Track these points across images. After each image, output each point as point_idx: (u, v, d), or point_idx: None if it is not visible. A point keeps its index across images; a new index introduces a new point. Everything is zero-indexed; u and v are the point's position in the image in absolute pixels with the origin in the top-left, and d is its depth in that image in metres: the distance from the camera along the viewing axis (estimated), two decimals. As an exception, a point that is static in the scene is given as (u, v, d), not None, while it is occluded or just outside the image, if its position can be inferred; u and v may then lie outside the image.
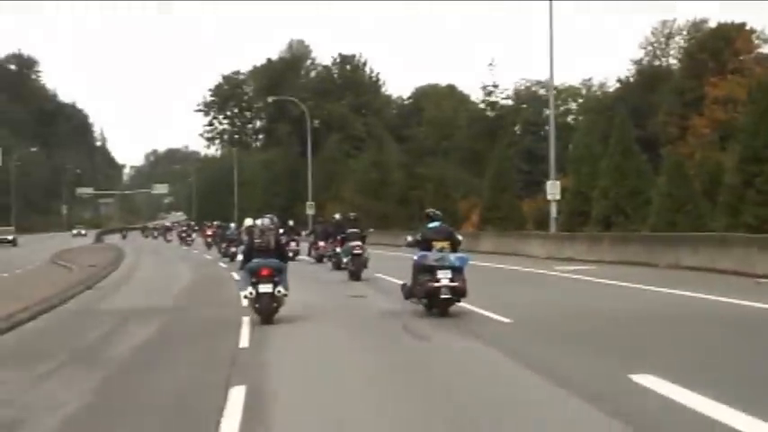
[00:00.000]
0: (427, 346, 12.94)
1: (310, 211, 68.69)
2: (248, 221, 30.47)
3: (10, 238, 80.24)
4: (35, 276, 35.29)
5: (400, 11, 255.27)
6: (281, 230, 32.55)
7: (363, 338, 14.15)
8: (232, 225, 45.69)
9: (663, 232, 31.31)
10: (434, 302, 15.73)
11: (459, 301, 15.88)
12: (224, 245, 43.57)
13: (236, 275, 26.55)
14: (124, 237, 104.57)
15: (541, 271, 27.63)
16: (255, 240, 16.40)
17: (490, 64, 74.33)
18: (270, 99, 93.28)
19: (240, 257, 17.49)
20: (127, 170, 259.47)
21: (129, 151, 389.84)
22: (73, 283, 28.64)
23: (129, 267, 40.46)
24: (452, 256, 15.82)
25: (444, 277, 15.48)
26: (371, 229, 61.15)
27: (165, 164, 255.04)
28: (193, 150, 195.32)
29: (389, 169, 77.04)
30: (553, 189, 37.75)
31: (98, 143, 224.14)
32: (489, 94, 77.70)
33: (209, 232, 58.54)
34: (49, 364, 12.51)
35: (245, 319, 16.63)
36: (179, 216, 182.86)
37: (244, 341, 14.01)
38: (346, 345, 13.65)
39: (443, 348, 12.64)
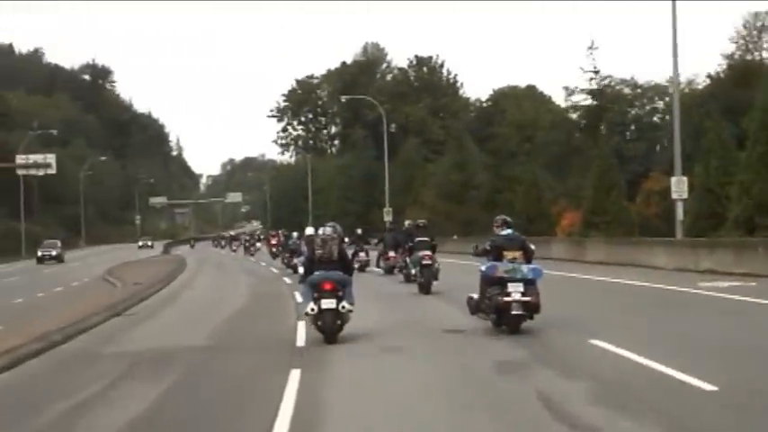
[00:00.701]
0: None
1: (388, 218, 63.26)
2: (309, 230, 26.98)
3: (54, 253, 69.75)
4: (68, 297, 30.46)
5: (476, 12, 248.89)
6: (348, 239, 28.41)
7: (481, 429, 8.41)
8: (294, 234, 40.87)
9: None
10: (504, 319, 14.20)
11: (531, 318, 14.23)
12: (286, 255, 39.57)
13: (298, 296, 21.78)
14: (192, 246, 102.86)
15: (683, 289, 21.53)
16: (317, 251, 14.85)
17: (590, 47, 66.15)
18: (343, 98, 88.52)
19: (301, 270, 16.29)
20: (204, 180, 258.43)
21: (206, 161, 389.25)
22: (103, 306, 23.56)
23: (181, 284, 35.46)
24: (525, 268, 14.33)
25: (516, 291, 14.00)
26: (455, 236, 56.15)
27: (241, 173, 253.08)
28: (270, 159, 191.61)
29: (473, 171, 71.02)
30: (679, 186, 31.50)
31: (174, 153, 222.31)
32: (590, 80, 69.33)
33: (273, 241, 54.07)
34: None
35: (294, 375, 11.23)
36: (255, 225, 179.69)
37: (281, 426, 8.43)
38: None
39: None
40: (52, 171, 69.00)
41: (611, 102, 70.41)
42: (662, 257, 29.49)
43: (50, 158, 67.98)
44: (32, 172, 69.56)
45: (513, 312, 13.97)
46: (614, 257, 32.78)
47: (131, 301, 26.17)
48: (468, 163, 72.63)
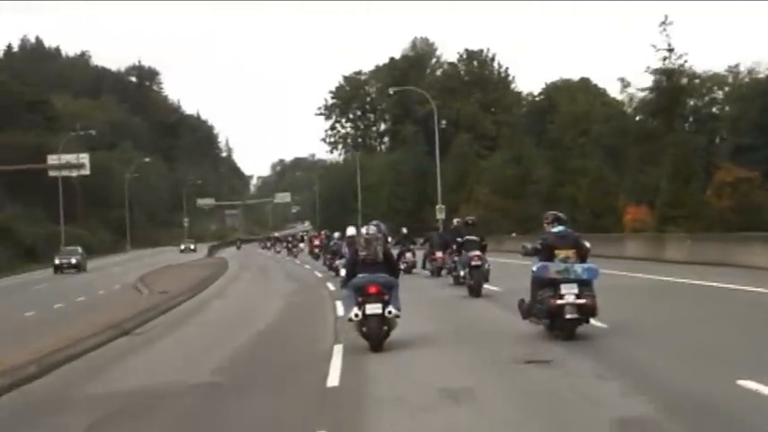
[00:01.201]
0: None
1: (440, 215, 59.20)
2: (350, 230, 24.49)
3: (74, 261, 60.62)
4: (85, 310, 27.18)
5: (526, 4, 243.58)
6: (393, 239, 25.66)
7: None
8: (335, 234, 37.86)
9: None
10: (558, 323, 13.08)
11: (587, 322, 13.12)
12: (328, 256, 37.67)
13: (339, 308, 18.93)
14: (239, 248, 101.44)
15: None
16: (360, 252, 13.95)
17: (663, 23, 59.42)
18: (391, 90, 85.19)
19: (343, 272, 15.18)
20: (254, 181, 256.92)
21: (256, 162, 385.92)
22: (113, 323, 20.12)
23: (214, 292, 32.15)
24: (579, 267, 13.20)
25: (569, 293, 12.90)
26: (513, 234, 52.28)
27: (291, 173, 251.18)
28: (320, 158, 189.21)
29: (531, 164, 66.76)
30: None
31: (224, 154, 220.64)
32: (664, 59, 63.55)
33: (316, 242, 51.09)
34: None
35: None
36: (306, 226, 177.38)
37: None
38: None
39: None
40: (86, 172, 65.80)
41: (679, 90, 64.94)
42: (764, 256, 25.32)
43: (84, 158, 64.82)
44: (65, 173, 66.39)
45: (567, 316, 12.81)
46: (701, 256, 28.59)
47: (149, 314, 22.87)
48: (525, 156, 68.49)
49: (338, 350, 13.54)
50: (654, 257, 31.79)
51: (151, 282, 37.91)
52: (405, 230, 34.92)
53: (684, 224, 37.83)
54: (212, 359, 14.00)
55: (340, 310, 19.01)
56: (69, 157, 65.10)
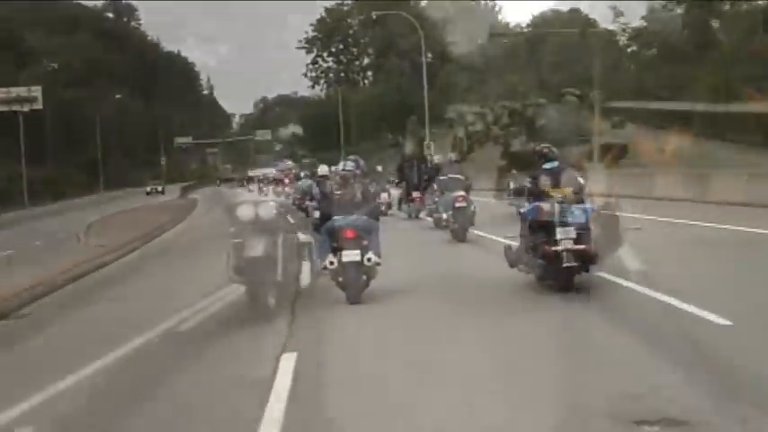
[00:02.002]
0: None
1: (429, 151, 53.98)
2: (322, 169, 21.61)
3: None
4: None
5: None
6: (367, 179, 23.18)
7: None
8: (302, 173, 34.01)
9: None
10: (553, 272, 11.46)
11: (587, 270, 11.47)
12: (297, 197, 33.13)
13: (305, 271, 14.10)
14: (218, 186, 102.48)
15: None
16: (336, 192, 13.03)
17: None
18: (374, 14, 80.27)
19: (316, 215, 14.83)
20: (237, 119, 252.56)
21: (239, 100, 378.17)
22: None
23: (163, 244, 27.77)
24: (576, 209, 11.61)
25: (566, 237, 11.31)
26: (514, 171, 47.31)
27: (274, 111, 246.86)
28: (303, 95, 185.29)
29: (529, 92, 61.29)
30: None
31: (205, 92, 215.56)
32: None
33: (286, 180, 46.32)
34: None
35: None
36: (288, 163, 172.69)
37: None
38: None
39: None
40: (38, 106, 59.95)
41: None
42: None
43: (36, 91, 58.85)
44: (16, 107, 60.39)
45: (565, 264, 11.23)
46: (761, 197, 23.26)
47: (60, 279, 17.96)
48: (519, 83, 63.18)
49: (287, 366, 8.27)
50: (694, 198, 26.42)
51: (98, 230, 33.79)
52: (379, 168, 33.00)
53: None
54: (77, 385, 8.53)
55: (306, 277, 13.75)
56: (20, 90, 58.95)
